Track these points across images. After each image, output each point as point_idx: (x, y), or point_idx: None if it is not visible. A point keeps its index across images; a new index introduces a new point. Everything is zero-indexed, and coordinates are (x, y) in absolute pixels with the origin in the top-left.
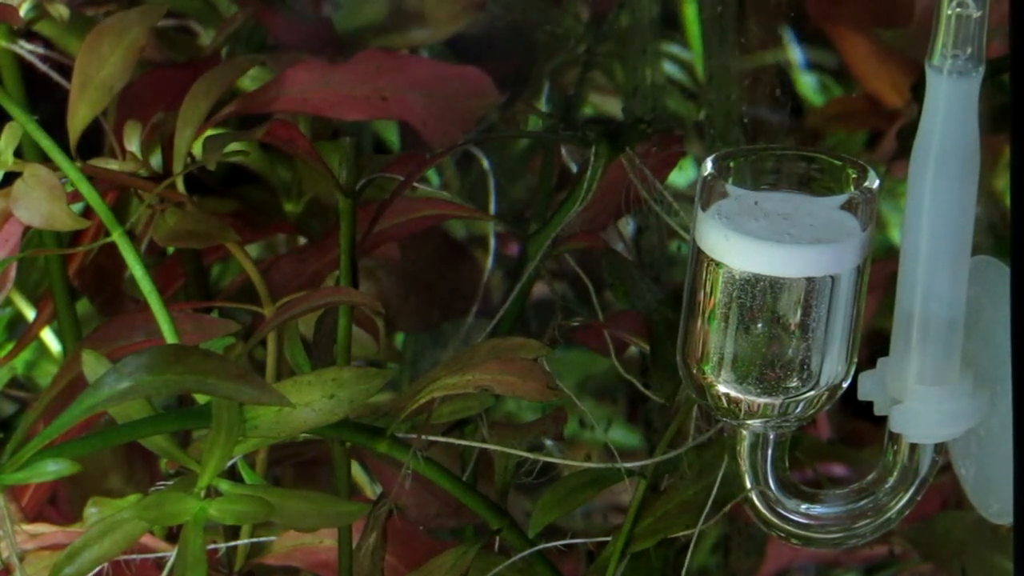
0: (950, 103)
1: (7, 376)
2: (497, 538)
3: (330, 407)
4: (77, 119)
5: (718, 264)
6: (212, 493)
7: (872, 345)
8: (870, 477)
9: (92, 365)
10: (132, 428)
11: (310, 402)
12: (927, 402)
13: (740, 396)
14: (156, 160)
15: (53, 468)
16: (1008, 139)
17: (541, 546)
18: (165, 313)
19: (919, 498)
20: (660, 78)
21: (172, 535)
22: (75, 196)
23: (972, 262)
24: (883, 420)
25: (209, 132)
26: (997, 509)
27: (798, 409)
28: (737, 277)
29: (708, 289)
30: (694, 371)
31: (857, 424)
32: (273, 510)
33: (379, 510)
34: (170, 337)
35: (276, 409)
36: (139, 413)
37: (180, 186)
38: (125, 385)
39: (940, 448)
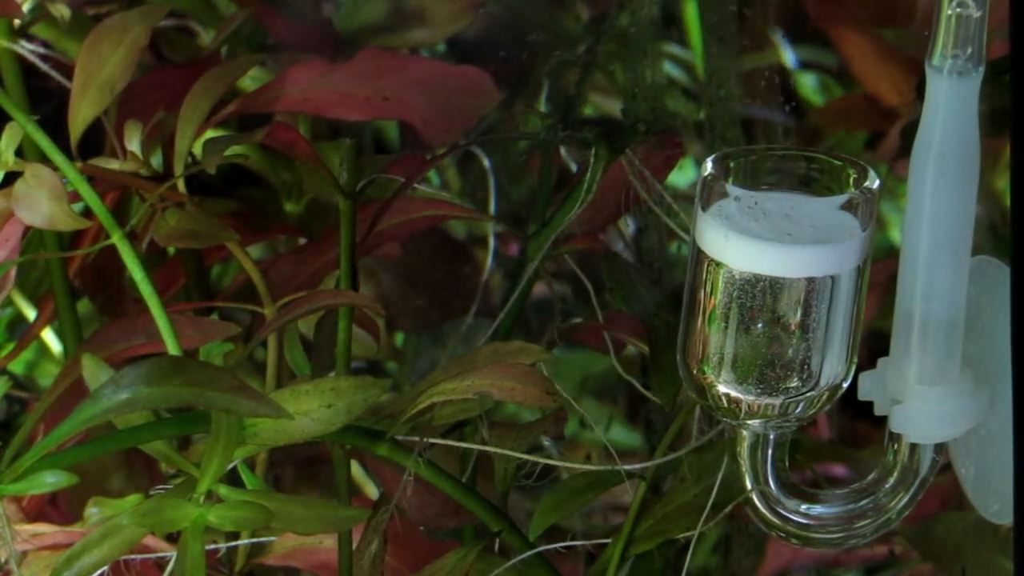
0: (950, 103)
1: (5, 387)
2: (497, 540)
3: (328, 416)
4: (78, 119)
5: (718, 264)
6: (212, 497)
7: (872, 345)
8: (870, 477)
9: (92, 370)
10: (132, 434)
11: (308, 411)
12: (927, 402)
13: (740, 396)
14: (157, 160)
15: (51, 480)
16: (1008, 139)
17: (541, 548)
18: (165, 318)
19: (919, 498)
20: (660, 78)
21: (173, 535)
22: (77, 195)
23: (972, 262)
24: (883, 420)
25: (210, 133)
26: (997, 509)
27: (798, 409)
28: (737, 277)
29: (708, 289)
30: (694, 371)
31: (857, 424)
32: (272, 516)
33: (380, 516)
34: (170, 343)
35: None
36: (139, 419)
37: (181, 186)
38: (123, 397)
39: (940, 448)
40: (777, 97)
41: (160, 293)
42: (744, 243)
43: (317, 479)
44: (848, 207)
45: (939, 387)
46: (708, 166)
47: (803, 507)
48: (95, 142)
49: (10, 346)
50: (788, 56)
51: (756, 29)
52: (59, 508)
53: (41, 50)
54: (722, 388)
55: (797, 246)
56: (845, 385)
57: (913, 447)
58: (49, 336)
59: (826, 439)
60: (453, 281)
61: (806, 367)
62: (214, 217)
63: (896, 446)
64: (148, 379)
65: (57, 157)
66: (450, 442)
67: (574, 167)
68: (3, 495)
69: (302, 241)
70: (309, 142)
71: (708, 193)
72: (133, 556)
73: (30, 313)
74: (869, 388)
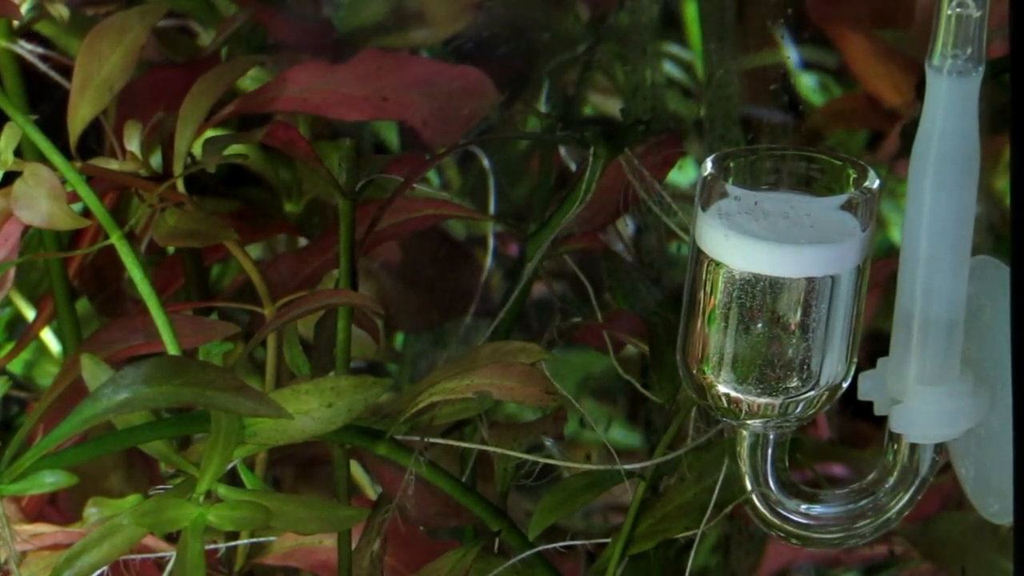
0: (950, 103)
1: (5, 387)
2: (497, 539)
3: (328, 416)
4: (77, 119)
5: (718, 264)
6: (212, 497)
7: (872, 345)
8: (870, 477)
9: (91, 370)
10: (131, 434)
11: (308, 411)
12: (927, 402)
13: (740, 396)
14: (156, 160)
15: (51, 480)
16: (1008, 139)
17: (541, 547)
18: (165, 318)
19: (919, 498)
20: (660, 78)
21: (173, 535)
22: (76, 196)
23: (972, 262)
24: (883, 420)
25: (209, 133)
26: (997, 509)
27: (798, 409)
28: (737, 277)
29: (708, 289)
30: (694, 371)
31: (857, 424)
32: (272, 516)
33: (380, 516)
34: (169, 343)
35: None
36: (138, 419)
37: (180, 186)
38: (123, 397)
39: (940, 448)
40: (777, 97)
41: (159, 293)
42: (744, 243)
43: (317, 479)
44: (848, 207)
45: (939, 387)
46: (708, 166)
47: (803, 507)
48: (95, 142)
49: (9, 346)
50: (789, 56)
51: (756, 29)
52: (59, 508)
53: (40, 50)
54: (722, 388)
55: (797, 246)
56: (845, 385)
57: (913, 447)
58: (48, 336)
59: (826, 439)
60: (453, 281)
61: (806, 367)
62: (213, 217)
63: (896, 446)
64: (148, 379)
65: (56, 157)
66: (450, 442)
67: (574, 167)
68: (3, 495)
69: (302, 241)
70: (309, 142)
71: (708, 193)
72: (133, 556)
73: (29, 313)
74: (869, 388)
